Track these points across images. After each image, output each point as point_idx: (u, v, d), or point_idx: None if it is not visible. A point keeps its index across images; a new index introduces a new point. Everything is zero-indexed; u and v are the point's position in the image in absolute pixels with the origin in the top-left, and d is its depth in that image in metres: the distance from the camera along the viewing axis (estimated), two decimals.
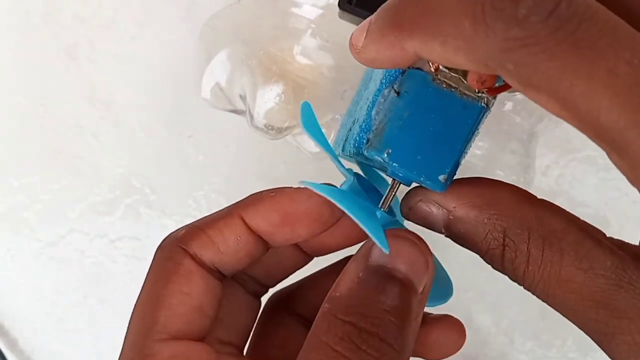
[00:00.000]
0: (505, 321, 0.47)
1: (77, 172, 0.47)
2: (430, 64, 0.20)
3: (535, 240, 0.19)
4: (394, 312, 0.19)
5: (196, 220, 0.24)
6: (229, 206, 0.24)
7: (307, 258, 0.27)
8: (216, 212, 0.24)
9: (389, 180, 0.22)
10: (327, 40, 0.35)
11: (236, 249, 0.23)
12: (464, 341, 0.25)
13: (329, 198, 0.20)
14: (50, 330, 0.49)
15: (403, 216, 0.22)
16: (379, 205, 0.22)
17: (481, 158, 0.37)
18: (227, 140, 0.47)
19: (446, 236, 0.21)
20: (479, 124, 0.20)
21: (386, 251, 0.20)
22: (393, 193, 0.22)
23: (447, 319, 0.25)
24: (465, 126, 0.20)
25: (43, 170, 0.48)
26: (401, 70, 0.21)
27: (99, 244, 0.48)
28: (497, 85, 0.19)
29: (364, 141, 0.21)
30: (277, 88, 0.35)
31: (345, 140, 0.23)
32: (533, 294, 0.20)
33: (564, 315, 0.19)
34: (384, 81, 0.21)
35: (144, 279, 0.23)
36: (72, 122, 0.47)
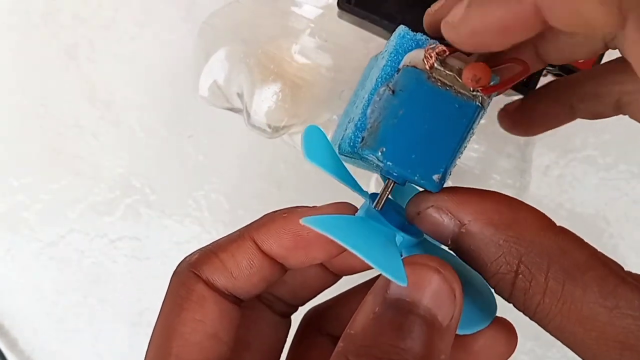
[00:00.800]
0: None
1: (77, 172, 0.47)
2: (426, 61, 0.20)
3: (556, 272, 0.17)
4: (413, 352, 0.17)
5: (210, 243, 0.23)
6: (241, 228, 0.23)
7: (335, 277, 0.26)
8: (230, 234, 0.23)
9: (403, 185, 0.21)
10: (326, 40, 0.35)
11: (249, 274, 0.22)
12: (515, 346, 0.22)
13: (327, 235, 0.18)
14: (50, 330, 0.49)
15: (407, 219, 0.21)
16: (373, 205, 0.21)
17: (477, 161, 0.37)
18: (227, 140, 0.47)
19: (449, 248, 0.20)
20: (473, 123, 0.20)
21: (402, 284, 0.18)
22: (387, 192, 0.21)
23: (495, 321, 0.22)
24: (460, 125, 0.20)
25: (43, 170, 0.48)
26: (397, 68, 0.21)
27: (99, 244, 0.48)
28: (492, 84, 0.19)
29: (359, 140, 0.21)
30: (274, 87, 0.35)
31: (342, 140, 0.22)
32: (543, 327, 0.18)
33: (577, 354, 0.18)
34: (379, 80, 0.21)
35: (161, 304, 0.22)
36: (72, 122, 0.47)
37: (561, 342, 0.18)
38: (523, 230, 0.18)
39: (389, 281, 0.18)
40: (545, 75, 0.29)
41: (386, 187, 0.21)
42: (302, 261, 0.22)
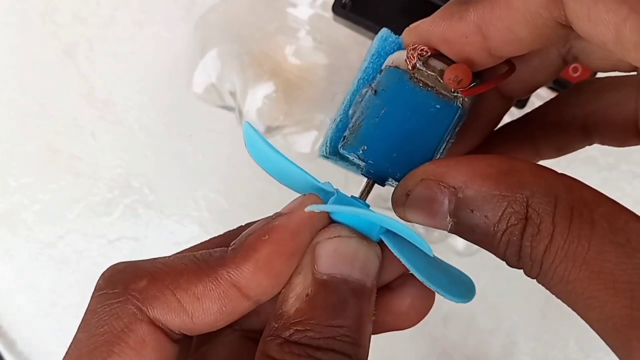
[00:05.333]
0: (506, 322, 0.47)
1: (75, 172, 0.47)
2: (408, 61, 0.20)
3: (563, 210, 0.16)
4: (348, 326, 0.17)
5: (162, 264, 0.18)
6: (209, 255, 0.18)
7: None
8: (192, 258, 0.18)
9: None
10: (321, 41, 0.35)
11: (216, 319, 0.18)
12: (432, 302, 0.21)
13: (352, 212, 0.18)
14: (48, 331, 0.49)
15: (396, 211, 0.20)
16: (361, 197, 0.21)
17: None
18: (227, 140, 0.47)
19: (450, 230, 0.18)
20: (455, 123, 0.20)
21: (430, 254, 0.17)
22: (367, 191, 0.21)
23: (411, 280, 0.21)
24: (440, 125, 0.20)
25: (41, 170, 0.47)
26: (378, 70, 0.21)
27: (98, 244, 0.48)
28: (472, 85, 0.19)
29: (340, 139, 0.21)
30: (267, 86, 0.35)
31: (323, 140, 0.22)
32: (547, 283, 0.16)
33: (582, 312, 0.16)
34: (361, 81, 0.21)
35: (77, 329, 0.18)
36: (71, 122, 0.47)
37: (565, 300, 0.16)
38: (523, 174, 0.16)
39: (315, 259, 0.18)
40: None
41: (366, 186, 0.21)
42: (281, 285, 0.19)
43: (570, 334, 0.46)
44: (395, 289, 0.21)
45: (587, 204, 0.16)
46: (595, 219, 0.15)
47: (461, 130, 0.21)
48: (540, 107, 0.25)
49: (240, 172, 0.47)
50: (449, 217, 0.17)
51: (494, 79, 0.20)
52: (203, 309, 0.18)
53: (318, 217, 0.19)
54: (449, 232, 0.18)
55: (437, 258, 0.21)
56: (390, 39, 0.21)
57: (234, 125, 0.44)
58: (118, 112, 0.47)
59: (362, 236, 0.19)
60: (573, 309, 0.16)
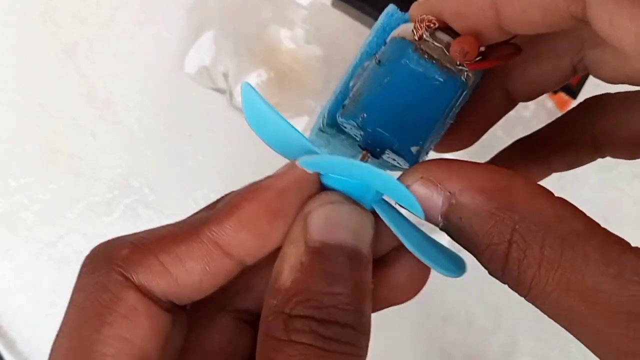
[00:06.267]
0: (506, 322, 0.47)
1: (75, 172, 0.47)
2: (415, 32, 0.19)
3: (553, 240, 0.16)
4: (347, 293, 0.17)
5: (144, 233, 0.18)
6: (191, 218, 0.19)
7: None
8: (174, 225, 0.18)
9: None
10: (318, 28, 0.35)
11: (201, 280, 0.18)
12: (428, 277, 0.21)
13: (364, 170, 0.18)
14: (49, 331, 0.49)
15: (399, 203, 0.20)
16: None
17: None
18: (227, 139, 0.47)
19: (440, 228, 0.19)
20: (457, 99, 0.20)
21: (421, 217, 0.18)
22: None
23: (406, 253, 0.21)
24: (443, 99, 0.19)
25: (41, 170, 0.47)
26: (383, 44, 0.21)
27: (98, 244, 0.48)
28: (478, 59, 0.19)
29: (340, 110, 0.20)
30: (261, 70, 0.35)
31: (320, 114, 0.22)
32: (539, 307, 0.17)
33: (577, 334, 0.16)
34: (364, 55, 0.21)
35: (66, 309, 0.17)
36: (71, 122, 0.47)
37: (559, 322, 0.17)
38: (517, 197, 0.17)
39: (306, 226, 0.18)
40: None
41: (362, 159, 0.20)
42: (274, 245, 0.19)
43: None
44: (392, 263, 0.21)
45: (579, 235, 0.16)
46: (588, 251, 0.16)
47: (460, 121, 0.21)
48: (550, 124, 0.25)
49: (240, 172, 0.47)
50: (440, 217, 0.18)
51: (499, 57, 0.20)
52: (186, 269, 0.17)
53: (307, 180, 0.19)
54: (439, 229, 0.18)
55: (428, 235, 0.20)
56: (396, 15, 0.21)
57: (234, 125, 0.44)
58: (118, 112, 0.47)
59: (355, 203, 0.19)
60: (568, 331, 0.17)
